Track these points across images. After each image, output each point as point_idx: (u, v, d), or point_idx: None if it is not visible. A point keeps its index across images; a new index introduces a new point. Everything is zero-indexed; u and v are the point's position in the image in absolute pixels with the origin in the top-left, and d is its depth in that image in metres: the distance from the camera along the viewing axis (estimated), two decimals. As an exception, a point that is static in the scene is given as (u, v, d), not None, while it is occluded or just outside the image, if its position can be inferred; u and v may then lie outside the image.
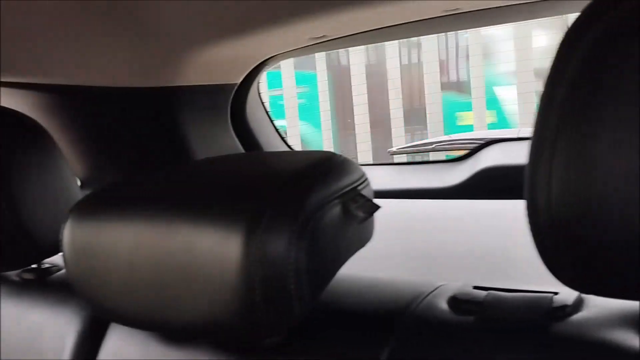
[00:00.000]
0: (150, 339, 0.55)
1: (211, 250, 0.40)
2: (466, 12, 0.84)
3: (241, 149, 1.25)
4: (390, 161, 1.59)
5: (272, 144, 1.30)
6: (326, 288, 0.48)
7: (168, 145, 1.12)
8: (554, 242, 0.34)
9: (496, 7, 0.84)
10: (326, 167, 0.48)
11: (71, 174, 0.74)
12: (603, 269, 0.33)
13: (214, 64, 1.07)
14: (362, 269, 0.57)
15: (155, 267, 0.42)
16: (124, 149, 1.12)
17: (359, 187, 0.49)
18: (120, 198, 0.48)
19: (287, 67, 3.13)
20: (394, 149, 1.46)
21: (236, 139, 1.24)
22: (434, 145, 1.35)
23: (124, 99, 1.06)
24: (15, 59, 0.88)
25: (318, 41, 1.01)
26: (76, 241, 0.46)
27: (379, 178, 1.25)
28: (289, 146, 1.36)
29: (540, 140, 0.34)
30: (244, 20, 0.91)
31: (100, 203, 0.47)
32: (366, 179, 0.51)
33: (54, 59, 0.91)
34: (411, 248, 0.92)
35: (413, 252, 0.91)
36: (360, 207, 0.47)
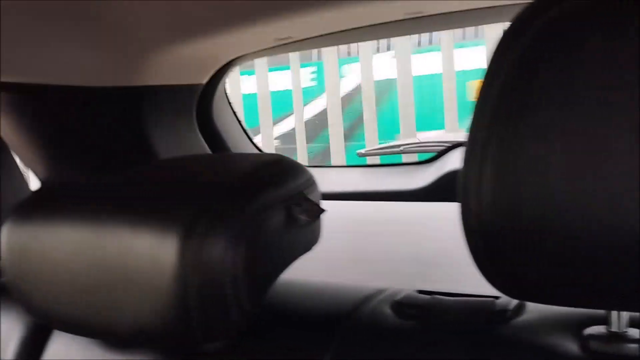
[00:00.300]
0: (92, 345, 0.54)
1: (147, 255, 0.39)
2: (429, 15, 0.85)
3: (208, 150, 1.24)
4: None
5: (240, 145, 1.29)
6: (272, 292, 0.47)
7: (132, 145, 1.11)
8: (486, 248, 0.34)
9: (458, 11, 0.84)
10: (272, 170, 0.47)
11: (21, 175, 0.72)
12: (533, 276, 0.33)
13: (179, 64, 1.06)
14: (314, 272, 0.57)
15: (93, 272, 0.42)
16: (87, 149, 1.10)
17: (305, 191, 0.49)
18: (61, 200, 0.47)
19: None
20: (362, 150, 1.46)
21: (202, 140, 1.23)
22: (401, 148, 1.36)
23: (87, 98, 1.04)
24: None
25: (283, 42, 1.01)
26: (13, 244, 0.45)
27: (346, 180, 1.25)
28: (256, 147, 1.35)
29: (473, 144, 0.34)
30: (208, 20, 0.91)
31: (40, 205, 0.46)
32: (313, 183, 0.51)
33: (16, 56, 0.89)
34: (368, 251, 0.92)
35: (370, 255, 0.91)
36: (304, 211, 0.47)
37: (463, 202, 0.35)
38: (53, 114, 1.06)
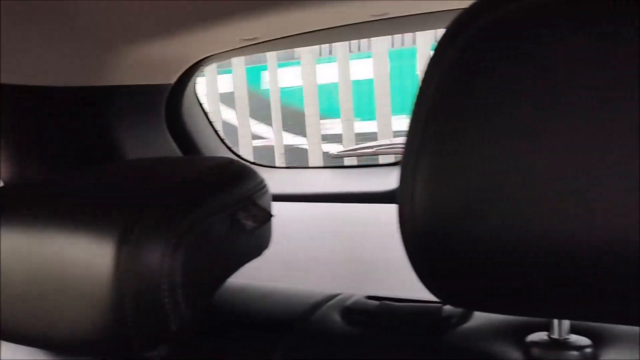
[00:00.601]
0: (37, 354, 0.52)
1: (83, 261, 0.38)
2: (395, 17, 0.84)
3: (178, 152, 1.22)
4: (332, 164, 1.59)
5: (211, 147, 1.27)
6: (223, 296, 0.46)
7: (99, 147, 1.09)
8: (422, 255, 0.34)
9: (425, 13, 0.84)
10: (220, 175, 0.47)
11: None
12: (470, 284, 0.33)
13: (146, 63, 1.05)
14: (271, 274, 0.56)
15: (33, 279, 0.40)
16: (52, 150, 1.08)
17: (254, 196, 0.48)
18: (1, 203, 0.45)
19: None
20: (335, 152, 1.45)
21: (172, 142, 1.21)
22: (374, 149, 1.35)
23: (52, 98, 1.02)
24: None
25: (250, 43, 1.00)
26: None
27: (317, 181, 1.25)
28: (228, 148, 1.34)
29: (408, 148, 0.33)
30: (175, 20, 0.89)
31: None
32: (263, 187, 0.50)
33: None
34: (334, 254, 0.92)
35: (334, 258, 0.90)
36: (250, 217, 0.46)
37: (399, 210, 0.34)
38: (16, 114, 1.04)
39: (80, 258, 0.38)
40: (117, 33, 0.91)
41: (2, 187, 0.49)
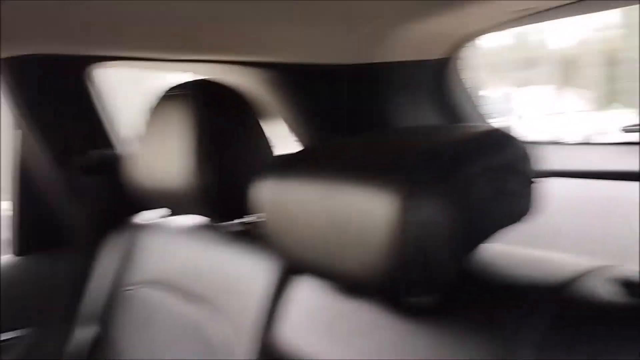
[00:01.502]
0: (324, 289, 0.63)
1: (371, 212, 0.45)
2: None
3: (441, 123, 1.26)
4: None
5: (473, 119, 1.29)
6: (482, 258, 0.50)
7: (373, 118, 1.20)
8: None
9: None
10: (485, 141, 0.50)
11: (266, 137, 0.84)
12: None
13: (418, 40, 1.09)
14: (531, 243, 0.57)
15: (328, 223, 0.49)
16: (334, 120, 1.23)
17: (516, 163, 0.50)
18: (303, 161, 0.56)
19: None
20: (628, 126, 1.28)
21: (437, 113, 1.26)
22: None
23: (334, 74, 1.16)
24: (246, 41, 1.02)
25: (520, 15, 0.97)
26: (266, 198, 0.54)
27: (599, 159, 1.16)
28: (486, 121, 1.33)
29: None
30: None
31: (287, 165, 0.55)
32: (526, 156, 0.51)
33: (277, 39, 1.03)
34: (598, 230, 0.85)
35: (598, 233, 0.83)
36: (512, 182, 0.48)
37: None
38: (304, 88, 1.20)
39: (369, 210, 0.45)
40: (395, 12, 0.95)
41: (305, 149, 0.60)
